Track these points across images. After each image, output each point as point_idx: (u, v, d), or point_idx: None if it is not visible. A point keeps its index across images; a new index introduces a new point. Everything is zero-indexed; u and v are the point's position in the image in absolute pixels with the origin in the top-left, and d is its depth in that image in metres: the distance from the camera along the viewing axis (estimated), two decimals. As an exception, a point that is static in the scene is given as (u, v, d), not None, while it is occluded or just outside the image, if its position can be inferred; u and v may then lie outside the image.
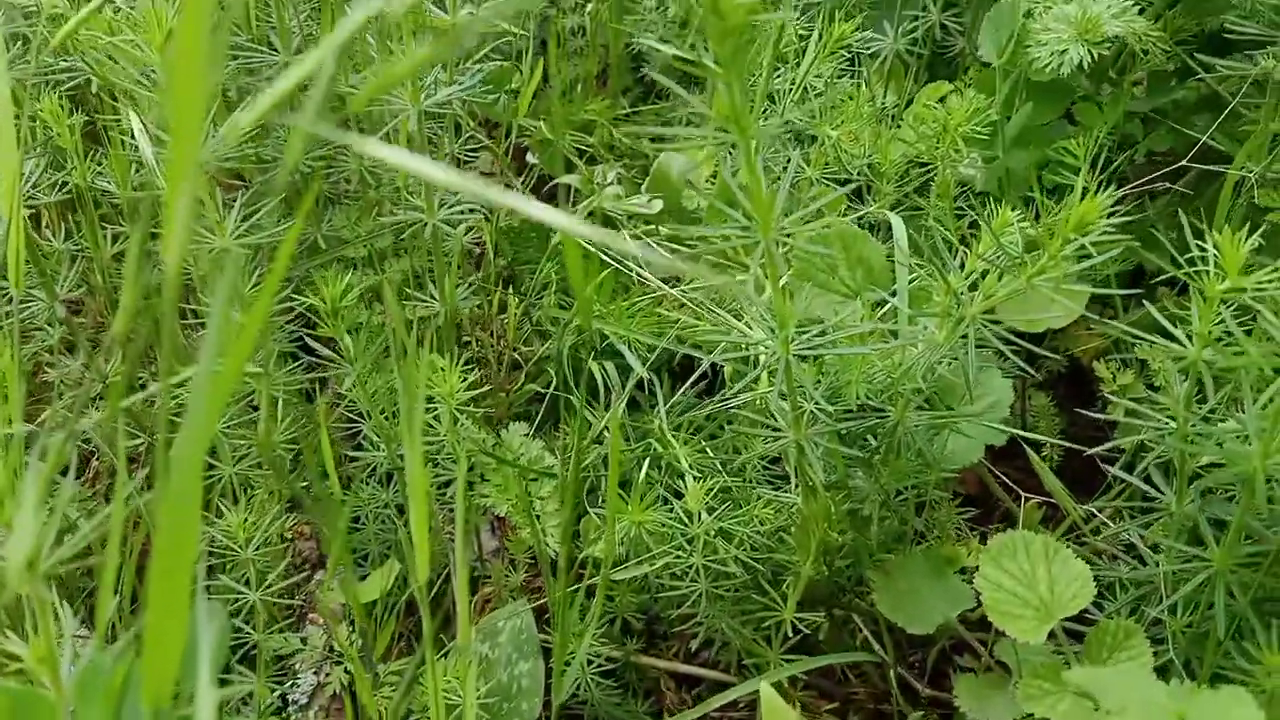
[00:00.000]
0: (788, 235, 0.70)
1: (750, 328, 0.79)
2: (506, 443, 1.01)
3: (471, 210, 1.06)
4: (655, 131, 1.67)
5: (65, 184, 1.07)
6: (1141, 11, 0.98)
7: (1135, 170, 1.05)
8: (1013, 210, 0.79)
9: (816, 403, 0.78)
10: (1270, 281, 0.66)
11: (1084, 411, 1.01)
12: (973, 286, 0.76)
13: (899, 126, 1.28)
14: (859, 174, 1.09)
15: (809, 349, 0.75)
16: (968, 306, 0.75)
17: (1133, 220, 1.05)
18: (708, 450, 0.95)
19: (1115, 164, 0.98)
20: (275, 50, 1.07)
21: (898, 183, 1.09)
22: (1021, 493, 1.03)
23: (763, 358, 0.76)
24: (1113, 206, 1.04)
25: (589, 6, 1.67)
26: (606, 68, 1.77)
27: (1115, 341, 0.99)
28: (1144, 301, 0.95)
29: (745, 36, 0.60)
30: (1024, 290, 0.72)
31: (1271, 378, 0.62)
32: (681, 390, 1.02)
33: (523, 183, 1.41)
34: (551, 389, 1.08)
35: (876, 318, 0.82)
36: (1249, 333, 0.66)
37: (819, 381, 0.79)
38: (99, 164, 1.07)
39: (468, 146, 1.21)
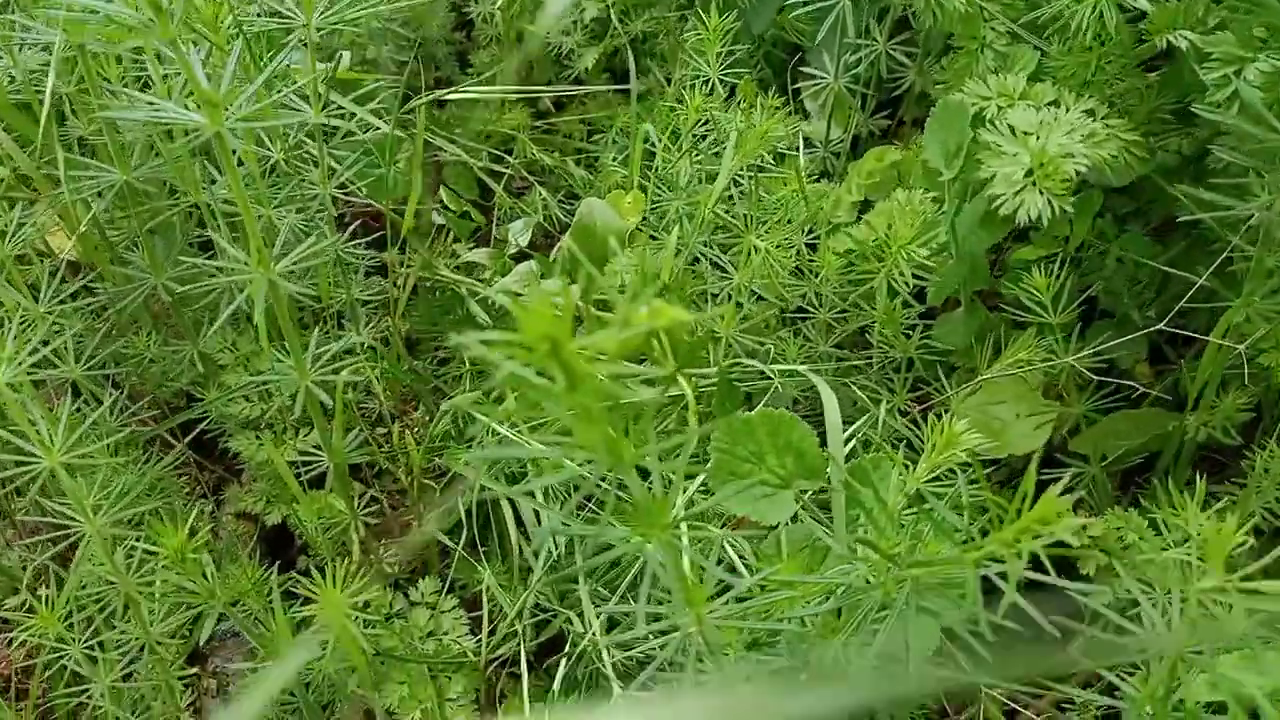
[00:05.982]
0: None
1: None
2: (413, 620, 0.92)
3: (353, 357, 0.93)
4: (581, 146, 1.51)
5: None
6: (1112, 107, 0.84)
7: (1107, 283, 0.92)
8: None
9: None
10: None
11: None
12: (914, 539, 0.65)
13: (842, 179, 1.14)
14: (791, 285, 0.96)
15: (725, 618, 0.65)
16: (905, 567, 0.65)
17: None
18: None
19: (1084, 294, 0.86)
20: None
21: (837, 288, 0.96)
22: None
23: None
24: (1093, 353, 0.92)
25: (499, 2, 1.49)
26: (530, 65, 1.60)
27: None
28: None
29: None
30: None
31: None
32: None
33: (430, 246, 1.26)
34: (462, 543, 0.98)
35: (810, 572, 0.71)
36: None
37: (737, 640, 0.69)
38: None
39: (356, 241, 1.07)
